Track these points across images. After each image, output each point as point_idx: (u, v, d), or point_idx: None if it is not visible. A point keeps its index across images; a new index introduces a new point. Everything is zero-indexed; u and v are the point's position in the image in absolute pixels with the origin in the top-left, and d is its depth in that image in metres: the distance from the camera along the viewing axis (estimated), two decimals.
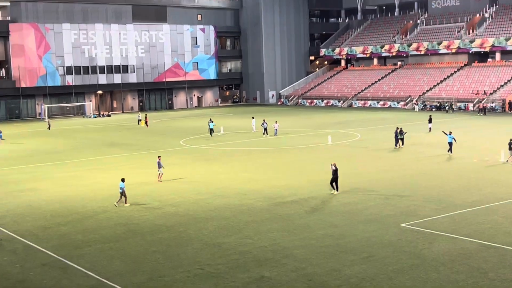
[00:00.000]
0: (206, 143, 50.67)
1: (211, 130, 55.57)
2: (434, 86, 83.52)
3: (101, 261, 20.26)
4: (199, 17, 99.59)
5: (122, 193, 28.01)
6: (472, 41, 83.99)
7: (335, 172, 28.92)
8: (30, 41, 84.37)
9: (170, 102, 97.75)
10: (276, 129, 54.81)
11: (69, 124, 74.97)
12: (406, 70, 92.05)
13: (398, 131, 44.49)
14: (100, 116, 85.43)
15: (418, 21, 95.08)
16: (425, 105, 79.52)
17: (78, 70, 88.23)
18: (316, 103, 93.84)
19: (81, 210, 27.67)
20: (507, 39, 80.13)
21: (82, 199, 30.04)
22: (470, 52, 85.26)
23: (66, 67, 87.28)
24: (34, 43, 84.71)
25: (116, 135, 60.53)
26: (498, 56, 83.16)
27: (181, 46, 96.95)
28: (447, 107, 75.94)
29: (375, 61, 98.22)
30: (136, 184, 32.14)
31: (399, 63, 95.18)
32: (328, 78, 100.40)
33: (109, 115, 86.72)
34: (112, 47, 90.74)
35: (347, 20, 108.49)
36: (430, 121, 54.50)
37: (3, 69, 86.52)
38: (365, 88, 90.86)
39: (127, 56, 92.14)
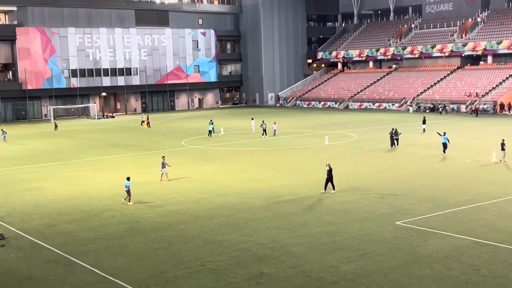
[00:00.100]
0: (207, 144, 50.69)
1: (210, 132, 55.70)
2: (428, 88, 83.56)
3: (105, 258, 20.28)
4: (200, 21, 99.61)
5: (128, 191, 28.09)
6: (464, 45, 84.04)
7: (329, 172, 28.95)
8: (36, 44, 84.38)
9: (172, 103, 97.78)
10: (275, 130, 54.86)
11: (74, 125, 74.97)
12: (400, 73, 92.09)
13: (393, 132, 44.57)
14: (104, 118, 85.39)
15: (413, 25, 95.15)
16: (419, 107, 79.56)
17: (82, 73, 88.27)
18: (313, 105, 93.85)
19: (86, 208, 27.69)
20: (498, 43, 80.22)
21: (86, 198, 30.05)
22: (463, 55, 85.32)
23: (71, 69, 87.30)
24: (40, 47, 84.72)
25: (119, 136, 60.53)
26: (490, 59, 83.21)
27: (182, 50, 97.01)
28: (440, 109, 75.97)
29: (371, 64, 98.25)
30: (139, 183, 32.12)
31: (394, 66, 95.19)
32: (325, 81, 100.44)
33: (112, 117, 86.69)
34: (115, 51, 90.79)
35: (343, 24, 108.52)
36: (424, 122, 54.54)
37: (10, 72, 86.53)
38: (361, 90, 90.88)
39: (130, 59, 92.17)
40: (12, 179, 36.32)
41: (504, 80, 77.41)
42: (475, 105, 73.26)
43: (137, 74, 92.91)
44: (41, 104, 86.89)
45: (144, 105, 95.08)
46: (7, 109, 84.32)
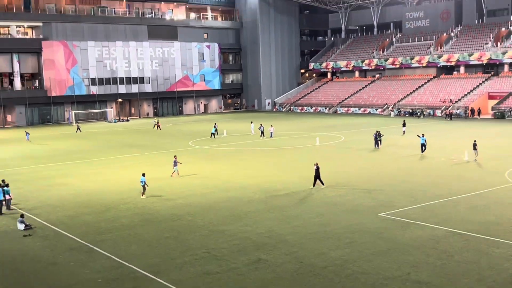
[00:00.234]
0: (211, 144, 50.68)
1: (212, 134, 55.74)
2: (407, 95, 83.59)
3: (121, 245, 20.28)
4: (205, 35, 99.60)
5: (143, 186, 28.12)
6: (440, 56, 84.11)
7: (317, 170, 29.01)
8: (59, 56, 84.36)
9: (180, 108, 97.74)
10: (271, 132, 54.86)
11: (93, 128, 74.93)
12: (383, 82, 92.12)
13: (377, 134, 44.56)
14: (120, 121, 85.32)
15: (394, 39, 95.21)
16: (399, 112, 79.58)
17: (101, 81, 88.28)
18: (306, 110, 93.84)
19: (104, 202, 27.68)
20: (470, 55, 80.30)
21: (105, 192, 30.05)
22: (438, 66, 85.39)
23: (91, 78, 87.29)
24: (63, 58, 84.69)
25: (134, 137, 60.49)
26: (462, 69, 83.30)
27: (190, 61, 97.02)
28: (418, 113, 76.01)
29: (357, 73, 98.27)
30: (151, 179, 32.02)
31: (377, 75, 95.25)
32: (316, 88, 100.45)
33: (127, 120, 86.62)
34: (130, 62, 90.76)
35: (332, 38, 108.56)
36: (404, 125, 54.55)
37: (37, 80, 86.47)
38: (348, 97, 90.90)
39: (143, 69, 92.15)
40: (38, 176, 36.32)
41: (474, 88, 77.48)
42: (449, 110, 73.30)
43: (149, 83, 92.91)
44: (64, 109, 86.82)
45: (155, 110, 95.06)
46: (34, 114, 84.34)
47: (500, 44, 78.51)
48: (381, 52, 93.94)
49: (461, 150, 39.10)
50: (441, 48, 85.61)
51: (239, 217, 23.78)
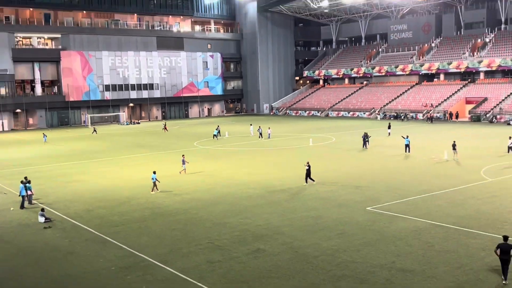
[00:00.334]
0: (214, 145, 50.66)
1: (214, 135, 55.77)
2: (392, 100, 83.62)
3: (132, 237, 20.27)
4: (209, 46, 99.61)
5: (154, 183, 28.14)
6: (422, 65, 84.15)
7: (308, 169, 28.97)
8: (76, 65, 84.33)
9: (186, 112, 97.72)
10: (269, 134, 54.85)
11: (107, 130, 74.89)
12: (370, 88, 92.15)
13: (365, 135, 44.56)
14: (131, 124, 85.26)
15: (380, 49, 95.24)
16: (385, 115, 79.62)
17: (114, 88, 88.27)
18: (300, 113, 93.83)
19: (117, 197, 27.66)
20: (449, 64, 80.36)
21: (117, 188, 30.03)
22: (420, 73, 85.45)
23: (105, 85, 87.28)
24: (80, 66, 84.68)
25: (144, 138, 60.48)
26: (442, 76, 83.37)
27: (195, 69, 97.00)
28: (402, 117, 76.04)
29: (346, 80, 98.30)
30: (160, 176, 31.99)
31: (365, 82, 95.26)
32: (309, 94, 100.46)
33: (138, 123, 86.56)
34: (141, 70, 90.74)
35: (324, 49, 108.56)
36: (389, 127, 54.57)
37: (56, 87, 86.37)
38: (339, 102, 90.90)
39: (152, 76, 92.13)
40: (57, 173, 36.29)
41: (453, 94, 77.52)
42: (430, 114, 73.34)
43: (158, 89, 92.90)
44: (81, 112, 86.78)
45: (163, 114, 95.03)
46: (53, 117, 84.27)
47: (476, 54, 78.58)
48: (368, 61, 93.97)
49: (441, 150, 39.13)
50: (422, 57, 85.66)
51: (239, 211, 23.77)
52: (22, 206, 25.69)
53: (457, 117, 71.61)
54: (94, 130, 68.26)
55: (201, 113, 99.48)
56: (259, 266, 16.55)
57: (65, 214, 24.29)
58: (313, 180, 29.09)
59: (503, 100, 70.54)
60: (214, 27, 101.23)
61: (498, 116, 67.41)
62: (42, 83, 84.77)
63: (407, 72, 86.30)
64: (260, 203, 25.13)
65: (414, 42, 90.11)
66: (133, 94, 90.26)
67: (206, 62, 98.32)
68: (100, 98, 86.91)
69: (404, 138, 41.06)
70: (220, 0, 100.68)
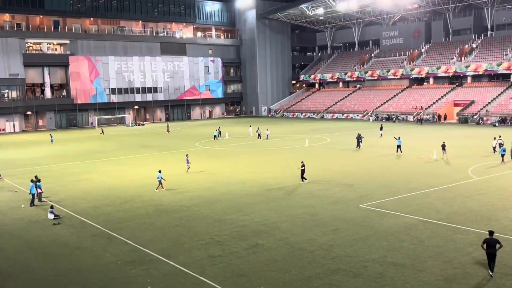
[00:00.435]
0: (215, 145, 50.63)
1: (215, 136, 55.79)
2: (384, 102, 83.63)
3: (137, 232, 20.24)
4: (210, 51, 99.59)
5: (159, 181, 28.13)
6: (412, 70, 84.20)
7: (302, 168, 28.90)
8: (84, 69, 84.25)
9: (188, 114, 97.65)
10: (267, 135, 54.85)
11: (113, 131, 74.83)
12: (363, 91, 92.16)
13: (358, 136, 44.55)
14: (136, 125, 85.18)
15: (372, 55, 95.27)
16: (377, 117, 79.65)
17: (120, 91, 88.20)
18: (297, 115, 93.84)
19: (122, 195, 27.64)
20: (438, 68, 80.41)
21: (123, 186, 30.00)
22: (411, 77, 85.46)
23: (111, 88, 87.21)
24: (87, 71, 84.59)
25: (148, 139, 60.44)
26: (431, 80, 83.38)
27: (196, 73, 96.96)
28: (394, 118, 76.08)
29: (341, 84, 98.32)
30: (163, 175, 32.01)
31: (358, 85, 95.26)
32: (305, 97, 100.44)
33: (143, 124, 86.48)
34: (145, 74, 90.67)
35: (319, 54, 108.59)
36: (381, 128, 54.56)
37: (64, 90, 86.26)
38: (333, 104, 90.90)
39: (156, 80, 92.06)
40: (65, 172, 36.25)
41: (442, 97, 77.58)
42: (420, 116, 73.37)
43: (161, 92, 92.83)
44: (88, 114, 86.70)
45: (167, 116, 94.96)
46: (62, 119, 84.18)
47: (464, 59, 78.64)
48: (361, 66, 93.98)
49: (431, 150, 39.15)
50: (413, 62, 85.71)
51: (239, 208, 23.75)
52: (32, 204, 25.66)
53: (445, 119, 71.70)
54: (102, 131, 68.36)
55: (202, 115, 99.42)
56: (258, 260, 16.54)
57: (73, 211, 24.26)
58: (305, 179, 29.00)
59: (489, 102, 70.62)
60: (215, 34, 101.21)
61: (484, 118, 67.48)
62: (52, 86, 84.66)
63: (398, 76, 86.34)
64: (259, 200, 25.11)
65: (405, 48, 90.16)
66: (138, 97, 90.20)
67: (208, 66, 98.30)
68: (107, 101, 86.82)
69: (396, 139, 41.05)
70: (221, 7, 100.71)
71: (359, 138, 44.20)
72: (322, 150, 44.52)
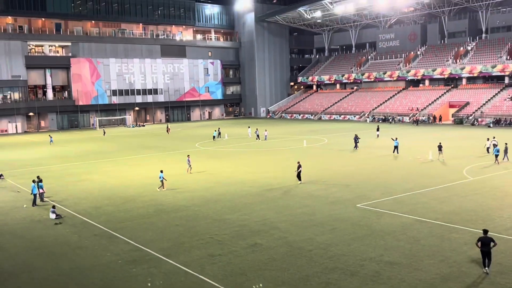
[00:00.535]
0: (215, 145, 50.61)
1: (214, 137, 55.81)
2: (381, 104, 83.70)
3: (137, 232, 20.22)
4: (210, 53, 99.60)
5: (161, 181, 28.13)
6: (408, 71, 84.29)
7: (298, 168, 28.88)
8: (85, 71, 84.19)
9: (188, 115, 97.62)
10: (265, 135, 54.85)
11: (114, 132, 74.77)
12: (360, 93, 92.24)
13: (355, 137, 44.56)
14: (137, 126, 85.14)
15: (369, 57, 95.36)
16: (374, 118, 79.71)
17: (121, 92, 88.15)
18: (295, 117, 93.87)
19: (123, 195, 27.61)
20: (433, 70, 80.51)
21: (124, 187, 29.96)
22: (407, 79, 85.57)
23: (112, 90, 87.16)
24: (89, 73, 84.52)
25: (149, 140, 60.39)
26: (427, 82, 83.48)
27: (196, 75, 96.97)
28: (390, 120, 76.14)
29: (338, 86, 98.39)
30: (164, 175, 32.00)
31: (355, 87, 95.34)
32: (303, 98, 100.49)
33: (143, 125, 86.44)
34: (146, 76, 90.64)
35: (317, 56, 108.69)
36: (378, 129, 54.62)
37: (66, 92, 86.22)
38: (331, 106, 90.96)
39: (156, 82, 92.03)
40: (67, 173, 36.20)
41: (437, 98, 77.66)
42: (416, 117, 73.44)
43: (162, 93, 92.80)
44: (89, 116, 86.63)
45: (167, 117, 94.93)
46: (64, 120, 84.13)
47: (459, 61, 78.75)
48: (358, 68, 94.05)
49: (426, 151, 39.17)
50: (409, 64, 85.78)
51: (238, 207, 23.73)
52: (34, 204, 25.63)
53: (440, 120, 71.79)
54: (104, 133, 68.40)
55: (202, 116, 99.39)
56: (257, 259, 16.53)
57: (75, 211, 24.23)
58: (300, 180, 28.91)
59: (484, 104, 70.71)
60: (215, 36, 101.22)
61: (479, 119, 67.57)
62: (53, 88, 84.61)
63: (395, 78, 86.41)
64: (257, 200, 25.09)
65: (401, 50, 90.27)
66: (139, 99, 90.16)
67: (207, 68, 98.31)
68: (108, 102, 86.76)
69: (393, 140, 41.08)
70: (220, 11, 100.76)
71: (356, 139, 44.22)
72: (319, 150, 44.52)
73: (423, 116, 73.93)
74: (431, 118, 72.57)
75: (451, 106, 74.40)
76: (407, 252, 16.66)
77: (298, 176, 28.92)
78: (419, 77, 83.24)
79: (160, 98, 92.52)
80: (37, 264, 16.99)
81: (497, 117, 66.11)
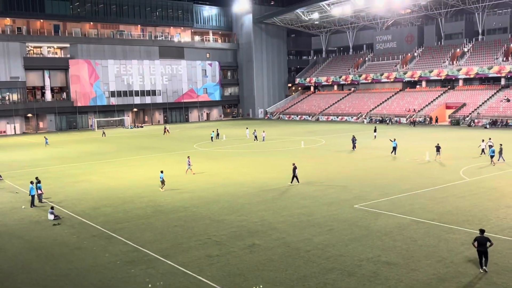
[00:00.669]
0: (213, 146, 50.59)
1: (212, 138, 55.80)
2: (378, 105, 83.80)
3: (136, 233, 20.20)
4: (208, 55, 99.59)
5: (162, 181, 28.13)
6: (405, 73, 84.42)
7: (294, 169, 28.82)
8: (84, 72, 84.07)
9: (186, 116, 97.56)
10: (263, 136, 54.84)
11: (113, 133, 74.66)
12: (357, 94, 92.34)
13: (353, 138, 44.57)
14: (135, 127, 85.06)
15: (366, 58, 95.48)
16: (371, 119, 79.78)
17: (119, 94, 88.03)
18: (292, 118, 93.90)
19: (122, 195, 27.57)
20: (430, 72, 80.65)
21: (122, 187, 29.93)
22: (404, 81, 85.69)
23: (111, 91, 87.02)
24: (87, 74, 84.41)
25: (147, 141, 60.32)
26: (424, 84, 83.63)
27: (194, 76, 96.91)
28: (387, 121, 76.22)
29: (335, 87, 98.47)
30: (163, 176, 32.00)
31: (352, 88, 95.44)
32: (301, 100, 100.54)
33: (142, 127, 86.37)
34: (144, 77, 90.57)
35: (315, 58, 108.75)
36: (375, 130, 54.64)
37: (65, 93, 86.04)
38: (328, 107, 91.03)
39: (155, 83, 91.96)
40: (65, 174, 36.13)
41: (434, 100, 77.79)
42: (413, 118, 73.54)
43: (160, 95, 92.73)
44: (88, 117, 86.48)
45: (165, 118, 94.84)
46: (62, 121, 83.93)
47: (456, 62, 78.93)
48: (355, 69, 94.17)
49: (423, 152, 39.22)
50: (406, 66, 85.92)
51: (236, 208, 23.73)
52: (32, 205, 25.57)
53: (437, 121, 71.89)
54: (103, 133, 68.35)
55: (200, 117, 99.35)
56: (254, 259, 16.52)
57: (73, 211, 24.19)
58: (293, 180, 28.87)
59: (480, 105, 70.86)
60: (213, 38, 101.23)
61: (476, 120, 67.71)
62: (52, 89, 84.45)
63: (392, 80, 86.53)
64: (255, 201, 25.09)
65: (398, 52, 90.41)
66: (137, 100, 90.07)
67: (205, 70, 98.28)
68: (106, 103, 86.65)
69: (391, 141, 41.12)
70: (218, 12, 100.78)
71: (354, 140, 44.26)
72: (317, 151, 44.53)
73: (420, 117, 74.02)
74: (428, 119, 72.68)
75: (447, 107, 74.54)
76: (404, 252, 16.68)
77: (295, 178, 28.83)
78: (416, 79, 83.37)
79: (158, 99, 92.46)
80: (36, 265, 16.95)
81: (493, 118, 66.26)
